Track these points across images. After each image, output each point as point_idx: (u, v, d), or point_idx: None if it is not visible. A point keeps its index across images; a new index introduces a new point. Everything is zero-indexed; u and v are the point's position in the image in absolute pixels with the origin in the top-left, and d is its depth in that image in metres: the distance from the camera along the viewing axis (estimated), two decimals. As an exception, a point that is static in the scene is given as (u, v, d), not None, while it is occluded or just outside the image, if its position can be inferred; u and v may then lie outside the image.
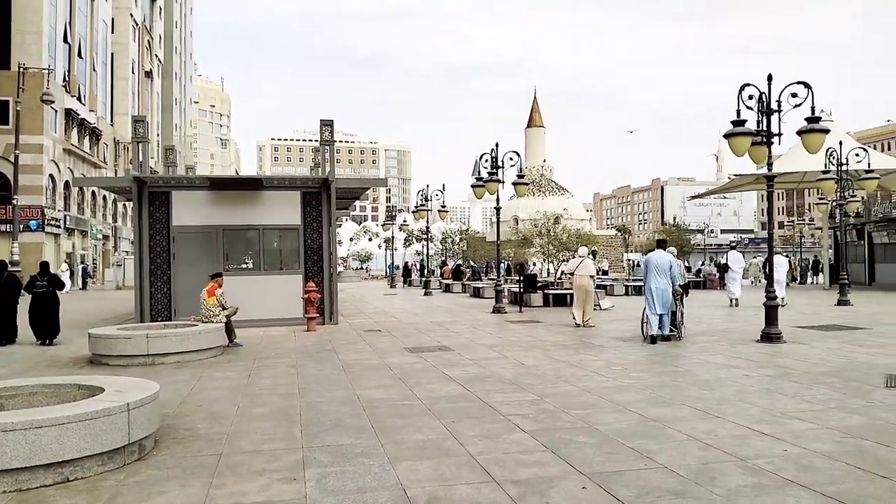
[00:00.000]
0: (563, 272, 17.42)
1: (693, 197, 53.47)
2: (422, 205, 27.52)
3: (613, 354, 10.08)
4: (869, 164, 18.30)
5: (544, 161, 66.60)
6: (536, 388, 7.52)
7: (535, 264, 43.23)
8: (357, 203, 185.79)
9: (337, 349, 11.10)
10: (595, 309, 17.61)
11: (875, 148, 52.30)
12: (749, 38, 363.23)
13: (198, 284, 14.50)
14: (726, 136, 11.00)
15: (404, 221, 40.01)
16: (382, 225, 40.51)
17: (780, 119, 11.22)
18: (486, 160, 17.40)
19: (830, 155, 18.46)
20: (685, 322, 12.34)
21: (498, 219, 17.93)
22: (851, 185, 24.79)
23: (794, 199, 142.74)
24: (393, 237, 40.21)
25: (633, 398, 6.89)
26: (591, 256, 16.14)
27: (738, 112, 11.02)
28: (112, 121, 54.49)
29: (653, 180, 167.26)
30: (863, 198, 30.67)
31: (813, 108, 10.84)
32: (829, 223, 31.74)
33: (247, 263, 15.15)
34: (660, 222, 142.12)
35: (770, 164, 11.31)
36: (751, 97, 11.15)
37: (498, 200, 17.84)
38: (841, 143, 19.02)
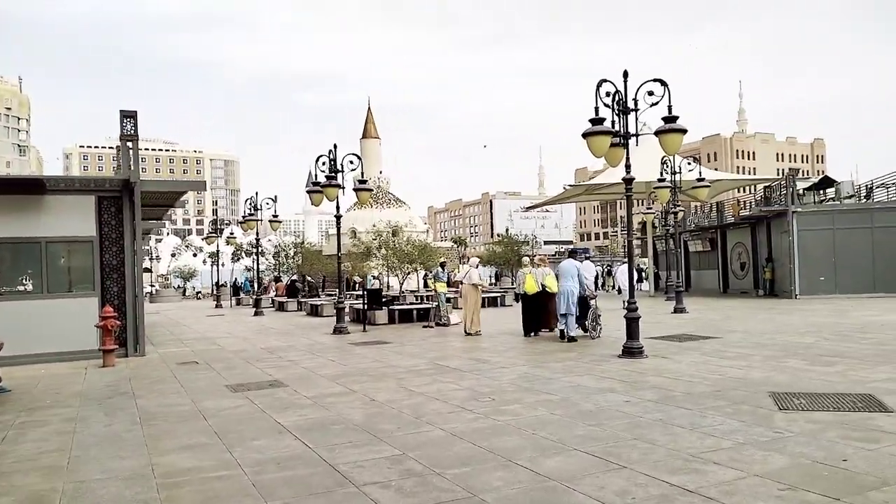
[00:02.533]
0: (456, 280, 17.61)
1: (529, 208, 55.19)
2: (250, 215, 25.00)
3: (476, 380, 8.80)
4: (700, 173, 18.92)
5: (381, 173, 65.37)
6: (396, 436, 5.99)
7: (375, 277, 41.76)
8: (179, 215, 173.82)
9: (138, 391, 8.83)
10: (443, 323, 16.49)
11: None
12: (566, 60, 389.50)
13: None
14: (585, 135, 10.22)
15: (231, 234, 36.76)
16: (206, 238, 36.91)
17: (636, 118, 10.68)
18: (324, 163, 15.66)
19: (665, 164, 18.82)
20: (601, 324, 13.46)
21: (339, 228, 16.23)
22: (677, 195, 26.03)
23: (609, 211, 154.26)
24: (218, 251, 36.83)
25: (516, 443, 5.57)
26: (479, 266, 15.78)
27: (597, 110, 10.32)
28: None
29: (482, 194, 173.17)
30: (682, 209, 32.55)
31: (670, 107, 10.37)
32: (652, 232, 33.28)
33: (25, 285, 12.19)
34: (490, 234, 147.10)
35: (628, 166, 10.71)
36: (608, 94, 10.50)
37: (338, 208, 16.13)
38: (673, 157, 19.50)
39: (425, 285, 36.85)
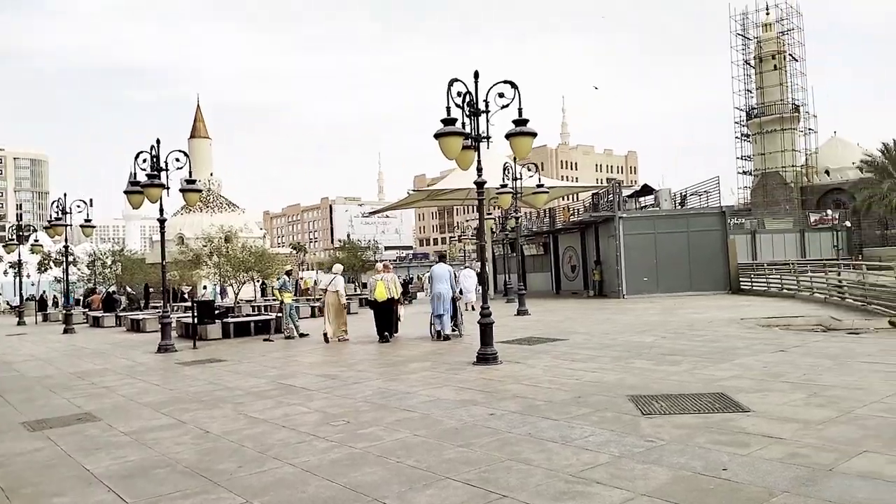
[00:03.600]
0: (319, 288, 17.81)
1: (372, 213, 54.65)
2: (58, 219, 22.05)
3: (326, 400, 8.00)
4: (540, 179, 19.38)
5: (211, 174, 61.72)
6: (237, 478, 5.08)
7: (205, 288, 39.03)
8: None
9: None
10: (290, 336, 15.45)
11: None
12: (406, 68, 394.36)
13: None
14: (437, 135, 9.79)
15: (36, 241, 32.52)
16: (6, 245, 32.39)
17: (487, 120, 10.43)
18: (145, 161, 13.98)
19: (506, 170, 19.04)
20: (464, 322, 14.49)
21: (162, 233, 14.56)
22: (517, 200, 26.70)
23: (446, 217, 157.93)
24: (20, 261, 32.40)
25: (380, 476, 4.90)
26: (342, 274, 16.09)
27: (448, 109, 9.94)
28: None
29: (322, 199, 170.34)
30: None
31: (520, 110, 10.21)
32: (491, 237, 34.00)
33: None
34: (330, 240, 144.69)
35: (479, 169, 10.44)
36: (459, 94, 10.16)
37: (161, 211, 14.49)
38: (515, 159, 19.77)
39: (263, 294, 35.01)
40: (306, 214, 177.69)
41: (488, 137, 10.43)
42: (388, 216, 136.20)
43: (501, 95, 10.27)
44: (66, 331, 21.96)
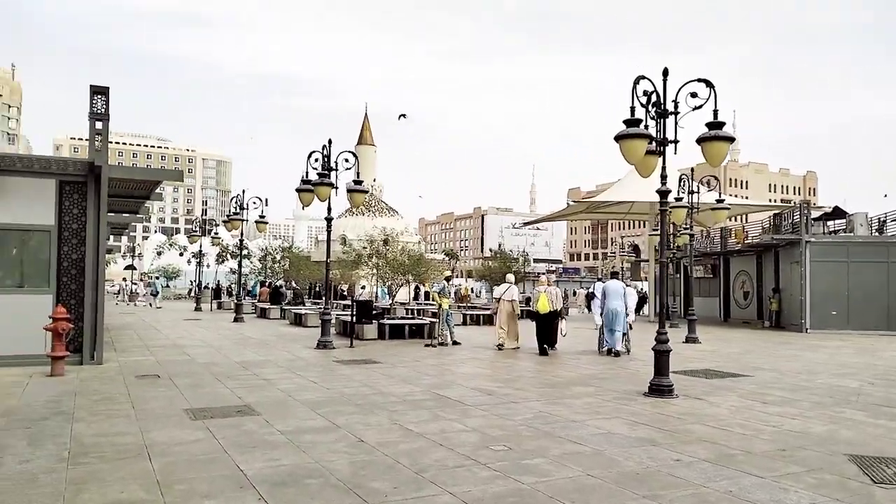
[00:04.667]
0: (493, 297, 17.87)
1: (527, 223, 54.20)
2: (235, 214, 23.49)
3: (483, 419, 7.39)
4: (721, 193, 17.70)
5: (374, 180, 64.08)
6: (392, 502, 4.57)
7: (363, 288, 40.25)
8: (167, 213, 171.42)
9: (79, 412, 7.35)
10: (444, 343, 15.12)
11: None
12: (564, 80, 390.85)
13: None
14: (618, 137, 8.90)
15: (216, 234, 35.17)
16: (189, 236, 35.30)
17: (676, 122, 9.38)
18: (317, 160, 14.26)
19: (682, 183, 17.58)
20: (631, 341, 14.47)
21: (329, 231, 14.79)
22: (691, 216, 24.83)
23: (599, 232, 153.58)
24: (201, 251, 35.18)
25: (554, 525, 4.17)
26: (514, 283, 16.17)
27: (633, 110, 8.99)
28: None
29: (474, 209, 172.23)
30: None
31: (716, 112, 9.07)
32: (654, 255, 32.01)
33: (-33, 277, 10.69)
34: (480, 249, 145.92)
35: (664, 177, 9.40)
36: (645, 93, 9.21)
37: (329, 210, 14.72)
38: (693, 170, 18.29)
39: (416, 297, 35.40)
40: (459, 223, 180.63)
41: (676, 141, 9.37)
42: (539, 228, 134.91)
43: (694, 95, 9.18)
44: (235, 319, 23.26)
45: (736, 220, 51.14)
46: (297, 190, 14.49)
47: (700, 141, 9.17)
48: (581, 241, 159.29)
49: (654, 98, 9.31)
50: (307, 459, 5.62)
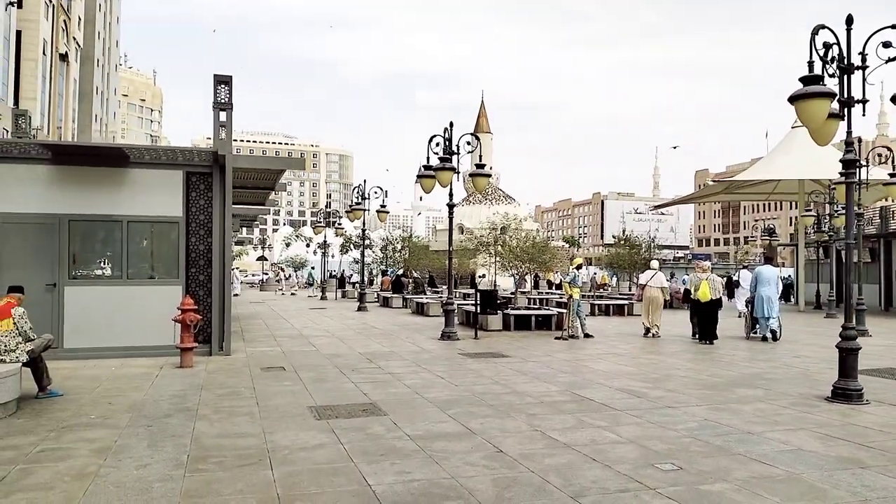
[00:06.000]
0: (638, 284, 17.95)
1: (658, 206, 51.49)
2: (357, 203, 23.47)
3: (638, 426, 6.37)
4: (895, 166, 15.40)
5: (491, 168, 63.58)
6: (550, 540, 3.72)
7: (483, 276, 39.68)
8: (294, 206, 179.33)
9: (203, 409, 7.04)
10: (574, 335, 14.11)
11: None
12: (671, 63, 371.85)
13: (29, 297, 10.27)
14: (794, 98, 7.50)
15: (340, 225, 35.76)
16: (314, 227, 36.09)
17: (864, 79, 7.85)
18: (437, 144, 13.61)
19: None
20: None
21: (451, 217, 14.13)
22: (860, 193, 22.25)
23: (731, 216, 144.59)
24: (326, 242, 35.87)
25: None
26: (661, 270, 16.07)
27: (811, 64, 7.56)
28: (17, 104, 48.34)
29: (593, 194, 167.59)
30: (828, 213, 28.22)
31: (920, 63, 7.48)
32: (804, 238, 29.14)
33: (103, 269, 10.90)
34: (600, 235, 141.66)
35: (850, 143, 7.90)
36: (825, 45, 7.74)
37: (451, 196, 14.05)
38: (859, 139, 16.00)
39: (536, 287, 34.33)
40: (577, 209, 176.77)
41: (864, 101, 7.84)
42: (663, 213, 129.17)
43: (887, 45, 7.62)
44: (359, 308, 23.28)
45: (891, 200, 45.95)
46: (419, 176, 13.92)
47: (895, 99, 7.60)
48: (710, 225, 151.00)
49: (834, 52, 7.84)
50: (442, 474, 4.87)
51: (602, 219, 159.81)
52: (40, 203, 10.54)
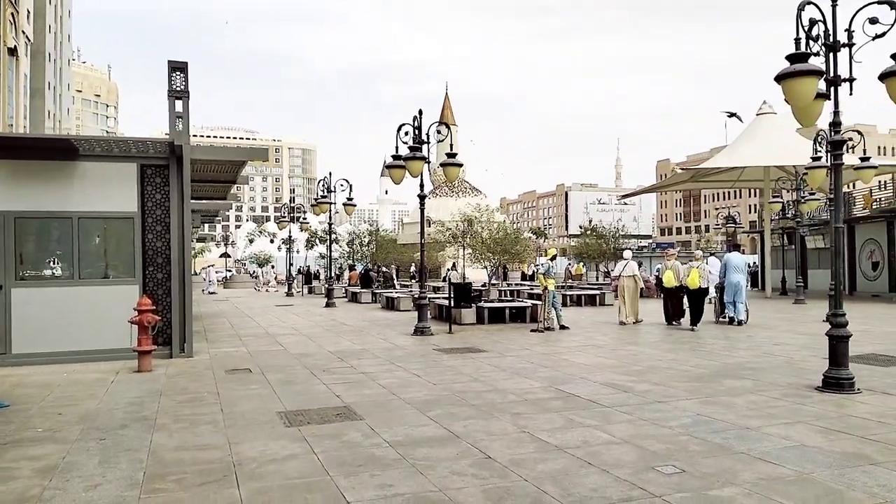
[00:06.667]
0: (611, 276, 19.09)
1: (626, 196, 52.11)
2: (323, 197, 22.83)
3: (631, 424, 6.03)
4: (865, 150, 15.40)
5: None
6: (556, 563, 3.32)
7: (452, 268, 39.30)
8: (258, 202, 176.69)
9: (162, 417, 6.49)
10: (549, 328, 13.82)
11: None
12: (628, 58, 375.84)
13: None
14: (780, 77, 7.22)
15: (305, 220, 35.00)
16: (278, 222, 35.26)
17: (851, 56, 7.62)
18: (406, 133, 13.11)
19: (818, 140, 15.37)
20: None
21: (422, 210, 13.65)
22: (805, 182, 22.37)
23: (692, 205, 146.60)
24: (290, 237, 35.05)
25: None
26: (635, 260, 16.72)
27: (798, 41, 7.30)
28: (-39, 99, 46.26)
29: (557, 186, 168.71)
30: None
31: (906, 42, 7.27)
32: (769, 226, 29.38)
33: (53, 268, 10.17)
34: (565, 227, 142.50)
35: (836, 124, 7.67)
36: (811, 22, 7.48)
37: (422, 186, 13.59)
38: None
39: (531, 277, 33.88)
40: (542, 201, 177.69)
41: (851, 80, 7.60)
42: (626, 203, 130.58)
43: (874, 21, 7.38)
44: (327, 304, 22.70)
45: (853, 185, 46.80)
46: (388, 166, 13.41)
47: (883, 77, 7.36)
48: (672, 214, 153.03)
49: (820, 30, 7.59)
50: (428, 486, 4.44)
51: (566, 210, 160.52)
52: (-19, 199, 9.79)
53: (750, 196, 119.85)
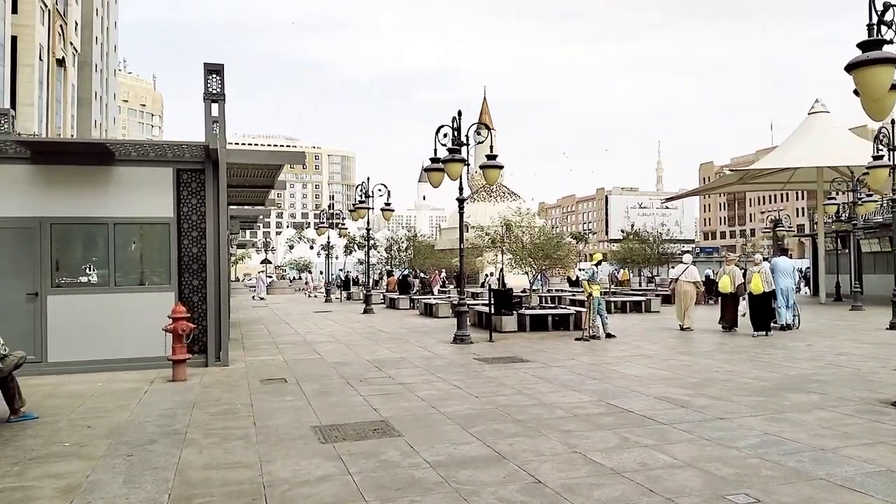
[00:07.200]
0: (671, 278, 18.24)
1: (668, 199, 50.95)
2: (361, 202, 22.62)
3: (692, 444, 5.53)
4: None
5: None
6: None
7: (491, 274, 38.82)
8: (297, 208, 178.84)
9: (192, 431, 6.21)
10: (595, 336, 13.29)
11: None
12: (666, 58, 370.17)
13: (9, 308, 9.52)
14: (851, 66, 6.65)
15: (344, 226, 34.91)
16: (317, 228, 35.29)
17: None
18: (445, 135, 12.76)
19: (880, 138, 14.54)
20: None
21: (461, 211, 13.24)
22: (863, 182, 21.34)
23: (735, 208, 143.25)
24: (329, 243, 35.04)
25: None
26: (695, 264, 16.28)
27: (871, 28, 6.73)
28: (13, 110, 47.61)
29: (597, 190, 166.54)
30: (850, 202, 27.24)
31: None
32: (824, 228, 28.19)
33: (89, 275, 10.06)
34: (605, 231, 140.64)
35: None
36: (886, 6, 6.87)
37: (461, 190, 13.21)
38: (893, 121, 15.11)
39: (575, 283, 33.22)
40: (581, 206, 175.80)
41: (930, 68, 6.96)
42: (668, 207, 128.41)
43: (955, 3, 6.75)
44: (365, 311, 22.47)
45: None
46: (427, 169, 13.08)
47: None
48: (715, 218, 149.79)
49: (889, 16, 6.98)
50: (472, 515, 4.04)
51: (606, 214, 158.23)
52: (19, 206, 9.73)
53: (797, 199, 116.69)
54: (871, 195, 21.79)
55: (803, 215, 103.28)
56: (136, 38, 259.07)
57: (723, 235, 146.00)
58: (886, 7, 6.91)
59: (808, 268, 33.03)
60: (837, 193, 22.83)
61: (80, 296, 9.91)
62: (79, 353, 9.72)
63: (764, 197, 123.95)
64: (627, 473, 4.80)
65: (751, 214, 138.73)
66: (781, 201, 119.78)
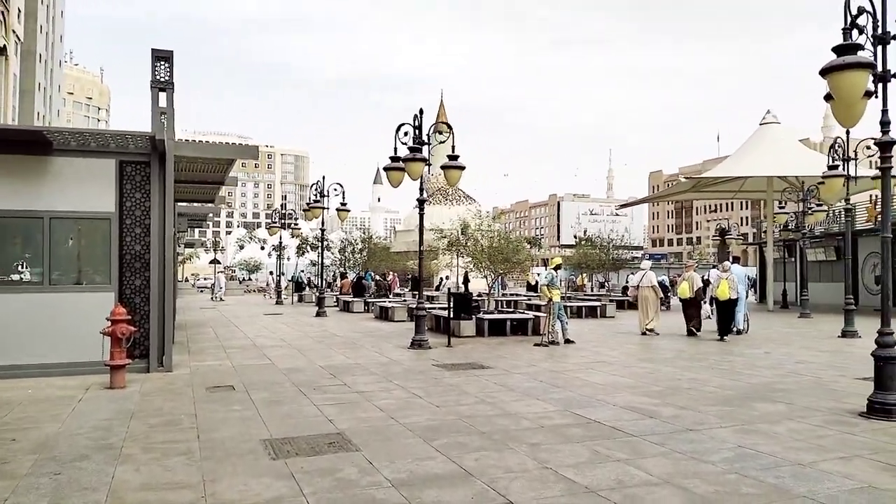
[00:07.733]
0: (631, 285, 18.92)
1: (623, 205, 51.40)
2: (316, 201, 22.00)
3: (663, 457, 5.27)
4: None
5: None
6: None
7: (447, 278, 38.54)
8: (248, 207, 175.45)
9: (129, 446, 5.68)
10: (554, 342, 13.09)
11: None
12: (618, 70, 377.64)
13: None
14: (826, 70, 6.55)
15: (296, 226, 34.13)
16: (269, 228, 34.40)
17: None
18: (406, 133, 12.37)
19: (835, 149, 14.75)
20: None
21: (421, 215, 12.86)
22: (812, 192, 21.78)
23: (683, 216, 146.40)
24: (281, 243, 34.19)
25: None
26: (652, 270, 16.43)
27: (846, 32, 6.67)
28: (-54, 98, 45.29)
29: (549, 196, 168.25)
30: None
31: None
32: (772, 237, 28.76)
33: (21, 273, 9.33)
34: (557, 236, 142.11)
35: (886, 123, 6.95)
36: (860, 10, 6.80)
37: (422, 190, 12.85)
38: (849, 132, 15.32)
39: (533, 287, 33.06)
40: (534, 210, 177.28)
41: (902, 75, 6.92)
42: (618, 213, 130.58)
43: (927, 12, 6.72)
44: (318, 314, 21.86)
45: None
46: (386, 168, 12.65)
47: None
48: (663, 225, 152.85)
49: (863, 20, 6.92)
50: (441, 542, 3.67)
51: (559, 220, 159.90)
52: (-57, 197, 8.96)
53: (742, 208, 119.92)
54: (820, 205, 22.22)
55: (748, 224, 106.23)
56: (85, 31, 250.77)
57: (670, 243, 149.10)
58: (860, 11, 6.84)
59: (753, 275, 33.73)
60: (785, 203, 23.23)
61: (11, 295, 9.17)
62: (7, 356, 8.99)
63: (711, 206, 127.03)
64: (603, 492, 4.50)
65: (697, 223, 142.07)
66: (727, 210, 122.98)
